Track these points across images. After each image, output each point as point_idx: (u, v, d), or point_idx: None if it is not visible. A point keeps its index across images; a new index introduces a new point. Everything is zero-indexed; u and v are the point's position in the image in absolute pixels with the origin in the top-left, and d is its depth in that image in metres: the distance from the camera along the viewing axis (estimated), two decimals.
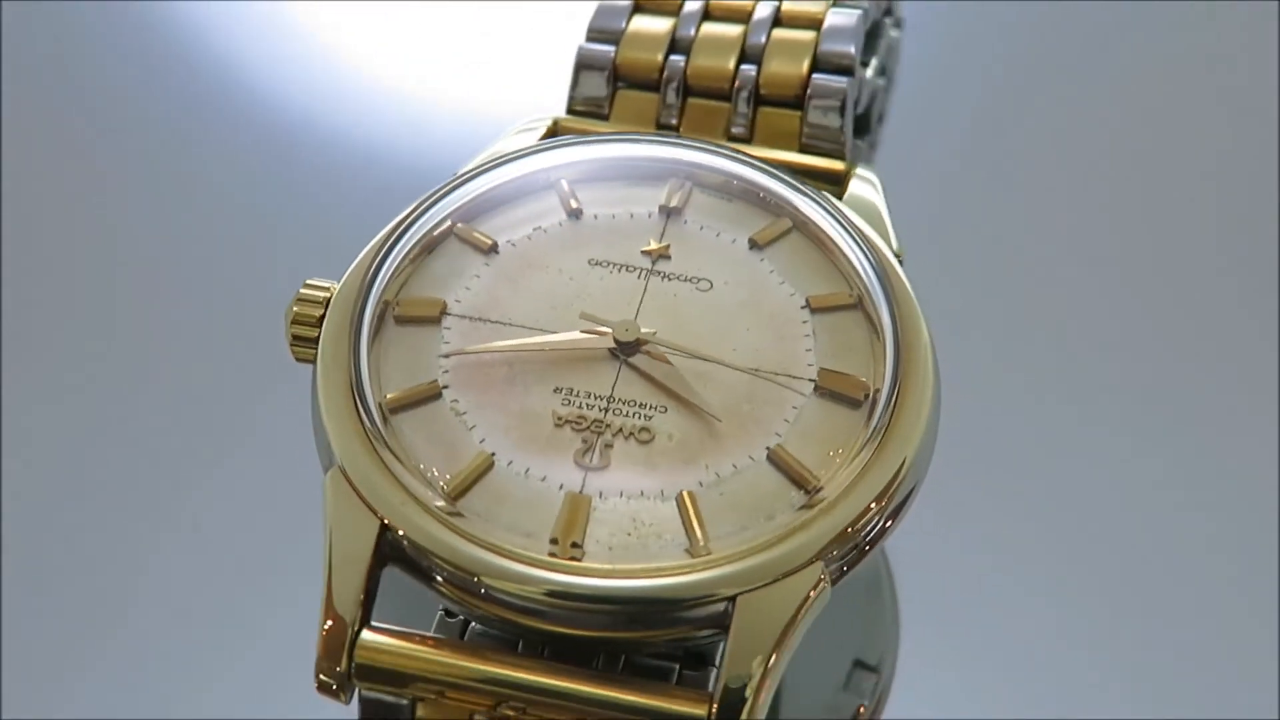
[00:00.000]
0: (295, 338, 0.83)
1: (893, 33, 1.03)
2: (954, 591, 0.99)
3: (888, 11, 1.00)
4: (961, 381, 0.87)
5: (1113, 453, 1.04)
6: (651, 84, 0.91)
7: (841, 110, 0.89)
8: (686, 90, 0.91)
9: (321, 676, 0.77)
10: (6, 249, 0.98)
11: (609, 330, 0.82)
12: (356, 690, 0.77)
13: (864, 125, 0.97)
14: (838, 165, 0.89)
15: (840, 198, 0.88)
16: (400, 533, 0.77)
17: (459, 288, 0.83)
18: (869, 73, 0.97)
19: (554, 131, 0.91)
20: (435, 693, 0.77)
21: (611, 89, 0.91)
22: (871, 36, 0.99)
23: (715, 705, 0.75)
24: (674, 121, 0.90)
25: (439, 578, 0.77)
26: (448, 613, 0.80)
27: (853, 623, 0.97)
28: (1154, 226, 1.11)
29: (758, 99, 0.90)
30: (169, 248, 1.02)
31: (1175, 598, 1.00)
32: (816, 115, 0.89)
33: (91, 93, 1.07)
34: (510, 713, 0.77)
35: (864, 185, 0.89)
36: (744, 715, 0.75)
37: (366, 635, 0.77)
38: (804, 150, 0.90)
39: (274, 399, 0.82)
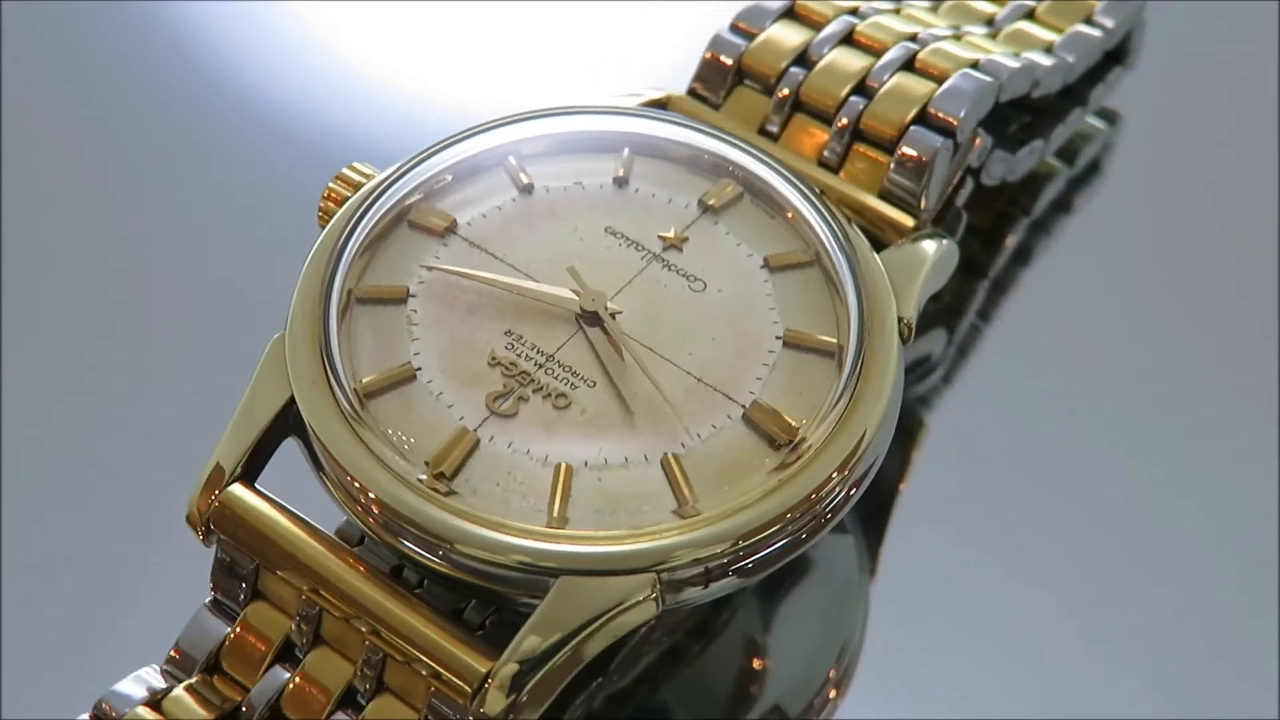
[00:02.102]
0: (323, 212, 0.87)
1: (1094, 122, 0.99)
2: (939, 586, 0.96)
3: (1076, 98, 0.98)
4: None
5: (1106, 446, 0.99)
6: (767, 88, 0.91)
7: (925, 167, 0.87)
8: (796, 104, 0.90)
9: (190, 512, 0.81)
10: (7, 247, 1.03)
11: (578, 296, 0.83)
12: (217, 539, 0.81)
13: (993, 193, 0.95)
14: (906, 221, 0.88)
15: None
16: (300, 411, 0.80)
17: (477, 212, 0.86)
18: (1025, 150, 0.96)
19: (663, 107, 0.92)
20: (270, 565, 0.80)
21: (730, 82, 0.92)
22: (1046, 114, 0.96)
23: (492, 676, 0.76)
24: (775, 130, 0.90)
25: (324, 467, 0.80)
26: None
27: (823, 595, 0.96)
28: (1154, 228, 1.06)
29: (855, 132, 0.89)
30: (169, 245, 1.05)
31: (1174, 598, 0.96)
32: (899, 166, 0.88)
33: (91, 91, 1.12)
34: (324, 606, 0.79)
35: (917, 248, 0.86)
36: (504, 692, 0.75)
37: (238, 489, 0.80)
38: (881, 195, 0.88)
39: None
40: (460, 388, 0.81)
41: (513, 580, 0.77)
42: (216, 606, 0.81)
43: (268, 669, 0.80)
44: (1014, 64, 0.91)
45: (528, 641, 0.76)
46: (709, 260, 0.85)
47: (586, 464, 0.79)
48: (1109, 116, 1.04)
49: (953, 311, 1.00)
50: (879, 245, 0.87)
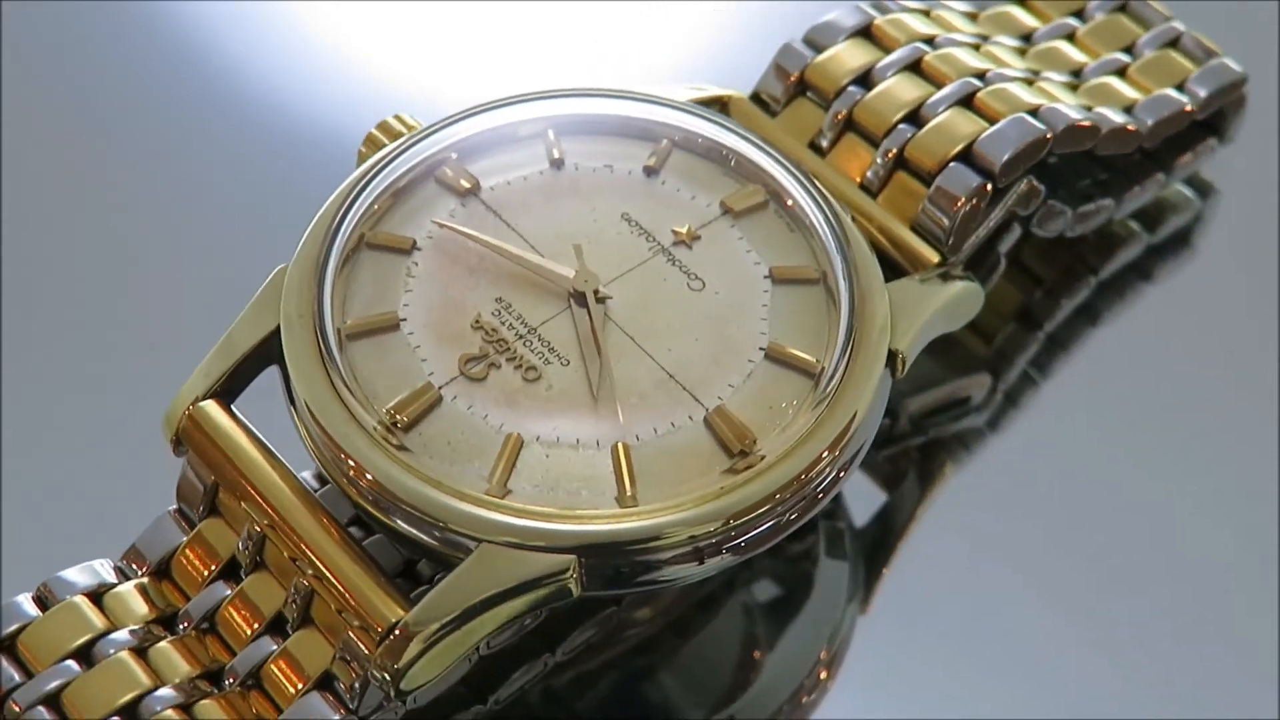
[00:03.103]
0: (360, 157, 0.89)
1: (1184, 191, 1.00)
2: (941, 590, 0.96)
3: (1159, 163, 0.96)
4: None
5: (1136, 524, 0.97)
6: (825, 104, 0.91)
7: (957, 205, 0.86)
8: (849, 123, 0.90)
9: (164, 423, 0.84)
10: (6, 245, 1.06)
11: (572, 274, 0.84)
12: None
13: (1064, 245, 0.96)
14: (931, 256, 0.87)
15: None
16: (280, 340, 0.83)
17: (503, 179, 0.87)
18: (1090, 207, 0.95)
19: (723, 106, 0.92)
20: (224, 484, 0.82)
21: (791, 93, 0.92)
22: (1123, 175, 0.95)
23: (400, 626, 0.77)
24: (825, 145, 0.90)
25: (293, 400, 0.82)
26: None
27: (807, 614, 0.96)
28: (1238, 310, 1.03)
29: (899, 160, 0.89)
30: (170, 242, 1.07)
31: (1173, 600, 0.94)
32: (933, 200, 0.87)
33: (89, 89, 1.13)
34: (266, 532, 0.81)
35: (932, 285, 0.86)
36: (407, 643, 0.77)
37: (211, 407, 0.83)
38: (912, 227, 0.88)
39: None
40: (438, 344, 0.82)
41: (438, 539, 0.78)
42: (179, 515, 0.84)
43: (211, 582, 0.82)
44: (1075, 116, 0.89)
45: (437, 600, 0.77)
46: (715, 262, 0.85)
47: (539, 439, 0.80)
48: (1202, 188, 1.01)
49: (1002, 357, 0.98)
50: (900, 275, 0.86)
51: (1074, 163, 0.96)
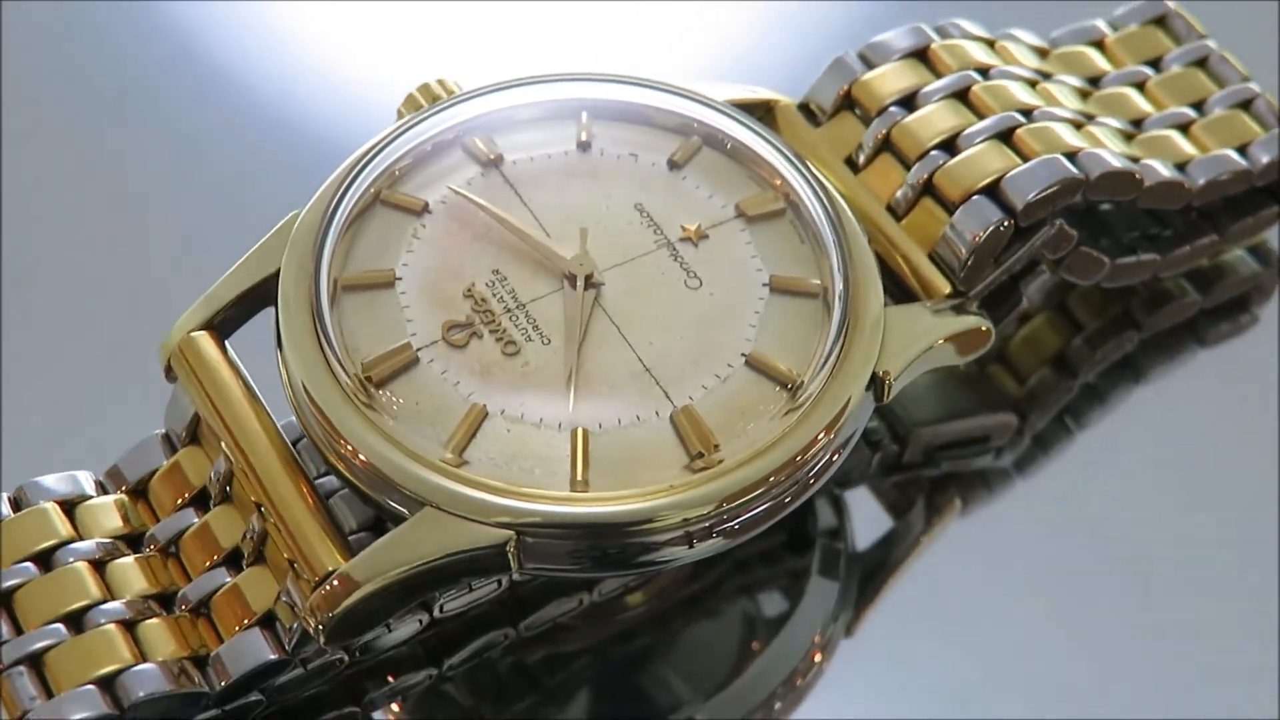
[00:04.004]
0: (399, 114, 0.90)
1: (1245, 258, 0.98)
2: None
3: (1214, 224, 0.95)
4: None
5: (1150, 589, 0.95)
6: (867, 120, 0.91)
7: (974, 238, 0.85)
8: (886, 143, 0.90)
9: (160, 351, 0.86)
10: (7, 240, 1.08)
11: (570, 256, 0.84)
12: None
13: (1111, 295, 0.95)
14: (942, 286, 0.86)
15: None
16: (279, 283, 0.85)
17: (527, 155, 0.88)
18: (1130, 260, 0.94)
19: (769, 110, 0.92)
20: (203, 414, 0.84)
21: (837, 106, 0.91)
22: (1174, 231, 0.93)
23: (336, 574, 0.79)
24: (860, 161, 0.90)
25: (280, 344, 0.84)
26: None
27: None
28: None
29: (927, 186, 0.88)
30: (200, 179, 1.07)
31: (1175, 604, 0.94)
32: (953, 230, 0.86)
33: (88, 87, 1.14)
34: (233, 467, 0.83)
35: (931, 314, 0.85)
36: (341, 590, 0.78)
37: (202, 339, 0.85)
38: (930, 255, 0.87)
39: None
40: (427, 307, 0.83)
41: (388, 497, 0.79)
42: (164, 439, 0.86)
43: (181, 509, 0.84)
44: (1115, 164, 0.87)
45: (372, 557, 0.78)
46: (716, 263, 0.85)
47: (503, 413, 0.81)
48: (1264, 256, 0.98)
49: (1033, 400, 0.97)
50: (912, 300, 0.85)
51: (1127, 213, 0.94)
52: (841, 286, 0.83)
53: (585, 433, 0.80)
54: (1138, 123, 0.93)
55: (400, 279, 0.84)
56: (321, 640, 0.78)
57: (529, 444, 0.80)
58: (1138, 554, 0.96)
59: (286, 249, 0.84)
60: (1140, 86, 0.94)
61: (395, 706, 0.88)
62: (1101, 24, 0.97)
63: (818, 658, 0.92)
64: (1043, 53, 0.95)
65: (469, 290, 0.83)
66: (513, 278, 0.84)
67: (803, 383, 0.81)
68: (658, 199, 0.86)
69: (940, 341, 0.84)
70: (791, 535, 0.94)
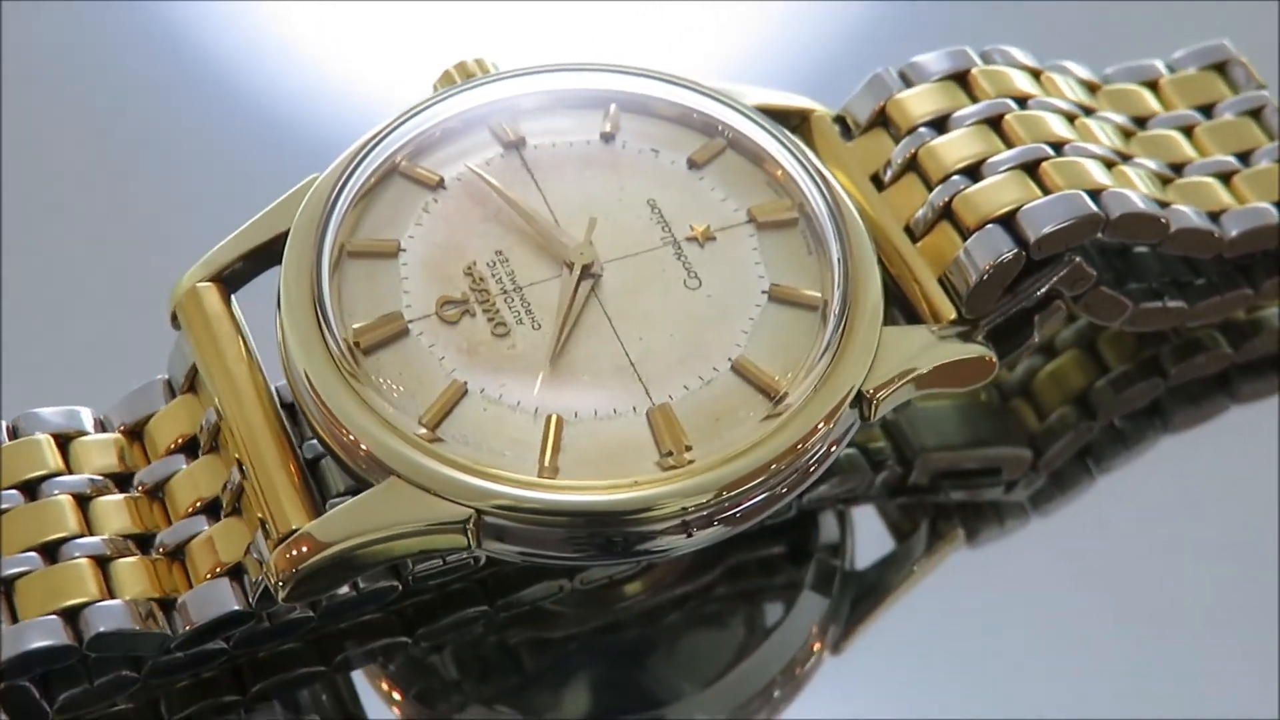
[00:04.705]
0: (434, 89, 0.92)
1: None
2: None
3: (1248, 277, 0.93)
4: None
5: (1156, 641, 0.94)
6: (897, 138, 0.90)
7: (981, 267, 0.85)
8: (912, 163, 0.89)
9: (169, 298, 0.88)
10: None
11: (573, 244, 0.85)
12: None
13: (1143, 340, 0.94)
14: (947, 312, 0.86)
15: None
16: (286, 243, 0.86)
17: (549, 141, 0.89)
18: (1154, 305, 0.93)
19: (804, 119, 0.92)
20: (199, 364, 0.86)
21: (871, 121, 0.91)
22: (1206, 280, 0.92)
23: (298, 532, 0.80)
24: (886, 179, 0.89)
25: (279, 300, 0.85)
26: None
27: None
28: None
29: (945, 210, 0.87)
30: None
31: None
32: (964, 256, 0.86)
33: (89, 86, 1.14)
34: (219, 420, 0.85)
35: (930, 339, 0.85)
36: (301, 547, 0.79)
37: (208, 290, 0.86)
38: (939, 279, 0.86)
39: None
40: (425, 280, 0.84)
41: (357, 463, 0.80)
42: (166, 385, 0.87)
43: (171, 454, 0.86)
44: (1140, 206, 0.86)
45: (334, 520, 0.79)
46: (719, 265, 0.85)
47: (482, 392, 0.81)
48: None
49: (1051, 437, 0.95)
50: (917, 322, 0.85)
51: (1161, 258, 0.92)
52: (840, 302, 0.82)
53: (560, 420, 0.80)
54: (1179, 167, 0.91)
55: (404, 250, 0.85)
56: (280, 597, 0.79)
57: (504, 426, 0.80)
58: (1148, 605, 0.95)
59: (300, 210, 0.84)
60: (1188, 131, 0.93)
61: (387, 688, 0.89)
62: (1159, 64, 0.95)
63: (799, 671, 0.91)
64: (1092, 88, 0.93)
65: (469, 269, 0.84)
66: (514, 260, 0.84)
67: (786, 393, 0.81)
68: (672, 196, 0.86)
69: (934, 366, 0.83)
70: (791, 546, 0.94)
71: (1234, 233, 0.89)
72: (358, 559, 0.79)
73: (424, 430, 0.80)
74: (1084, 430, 0.96)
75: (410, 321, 0.83)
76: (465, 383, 0.81)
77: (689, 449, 0.80)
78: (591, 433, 0.80)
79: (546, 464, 0.79)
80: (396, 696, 0.89)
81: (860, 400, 0.82)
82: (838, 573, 0.93)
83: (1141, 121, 0.93)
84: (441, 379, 0.81)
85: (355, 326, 0.82)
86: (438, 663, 0.90)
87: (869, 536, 0.97)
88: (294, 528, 0.79)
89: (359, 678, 0.90)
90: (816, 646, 0.91)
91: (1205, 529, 0.96)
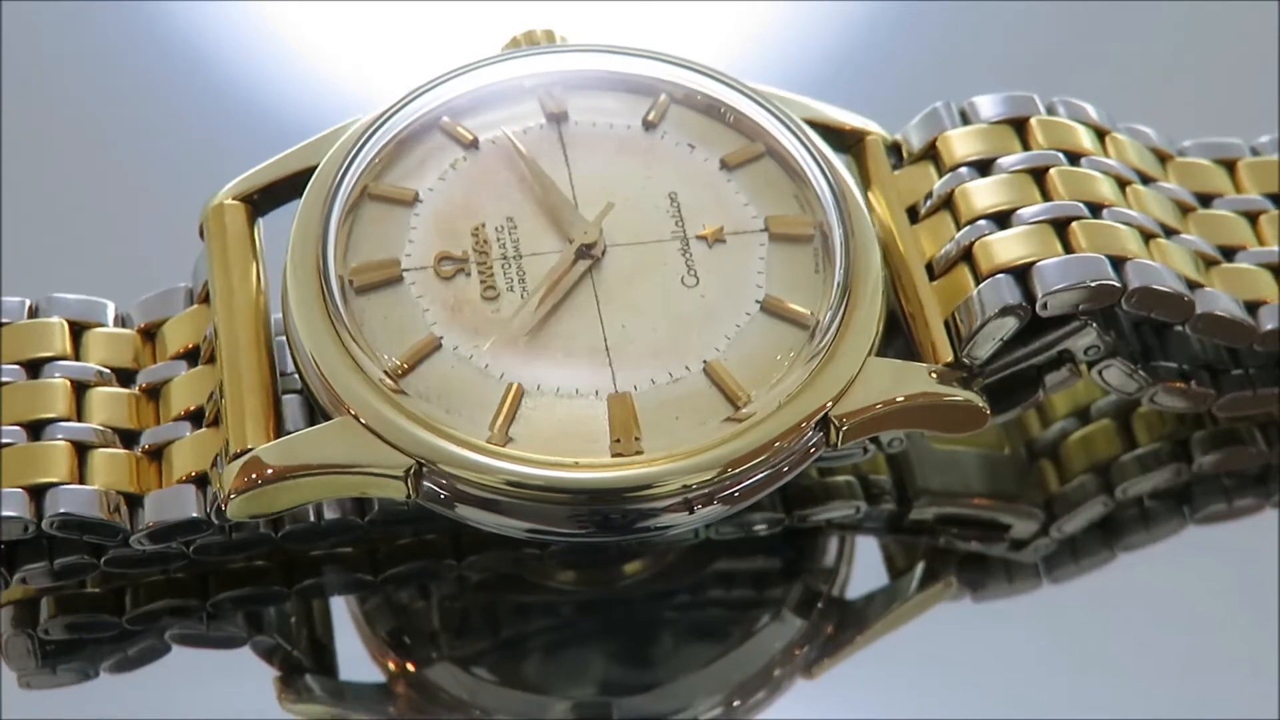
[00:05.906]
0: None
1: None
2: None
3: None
4: None
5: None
6: (941, 174, 0.89)
7: (983, 314, 0.84)
8: (947, 201, 0.88)
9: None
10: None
11: (582, 224, 0.86)
12: None
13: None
14: (945, 353, 0.85)
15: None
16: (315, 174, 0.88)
17: (590, 120, 0.89)
18: (1173, 390, 0.90)
19: (859, 140, 0.92)
20: (209, 277, 0.88)
21: (920, 153, 0.90)
22: (1239, 367, 0.90)
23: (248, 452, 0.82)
24: (921, 212, 0.89)
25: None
26: None
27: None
28: None
29: (965, 253, 0.86)
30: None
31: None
32: (973, 301, 0.85)
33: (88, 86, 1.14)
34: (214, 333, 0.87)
35: (920, 381, 0.84)
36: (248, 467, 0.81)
37: (235, 207, 0.88)
38: (945, 321, 0.85)
39: None
40: (431, 233, 0.85)
41: (321, 396, 0.82)
42: (187, 293, 0.90)
43: (175, 359, 0.88)
44: (1164, 282, 0.84)
45: (284, 445, 0.81)
46: (721, 268, 0.85)
47: (455, 349, 0.82)
48: None
49: (1063, 504, 0.94)
50: (918, 358, 0.85)
51: (1205, 343, 0.90)
52: (829, 324, 0.81)
53: (520, 389, 0.81)
54: (1231, 252, 0.88)
55: (421, 201, 0.86)
56: (226, 510, 0.81)
57: (468, 386, 0.81)
58: (1150, 689, 0.93)
59: (333, 148, 0.86)
60: (1253, 218, 0.90)
61: (367, 625, 0.91)
62: (1242, 144, 0.92)
63: (761, 688, 0.90)
64: (1163, 157, 0.91)
65: (477, 229, 0.85)
66: (523, 229, 0.85)
67: (748, 403, 0.80)
68: (694, 192, 0.86)
69: (912, 402, 0.81)
70: (785, 564, 0.93)
71: (1269, 326, 0.86)
72: (299, 487, 0.80)
73: (389, 380, 0.81)
74: (1100, 503, 0.93)
75: (405, 270, 0.84)
76: (441, 338, 0.82)
77: (638, 439, 0.79)
78: (549, 407, 0.81)
79: (496, 430, 0.80)
80: (371, 634, 0.90)
81: (826, 424, 0.80)
82: (822, 597, 0.92)
83: (1206, 200, 0.90)
84: (420, 331, 0.82)
85: (353, 265, 0.83)
86: (420, 621, 0.91)
87: (869, 568, 0.95)
88: (249, 447, 0.81)
89: (341, 610, 0.91)
90: (788, 667, 0.90)
91: (1214, 631, 0.94)
